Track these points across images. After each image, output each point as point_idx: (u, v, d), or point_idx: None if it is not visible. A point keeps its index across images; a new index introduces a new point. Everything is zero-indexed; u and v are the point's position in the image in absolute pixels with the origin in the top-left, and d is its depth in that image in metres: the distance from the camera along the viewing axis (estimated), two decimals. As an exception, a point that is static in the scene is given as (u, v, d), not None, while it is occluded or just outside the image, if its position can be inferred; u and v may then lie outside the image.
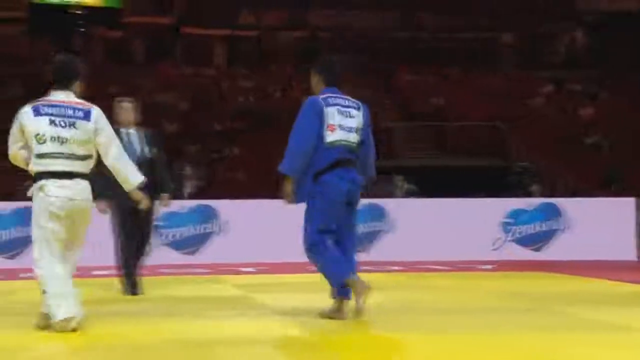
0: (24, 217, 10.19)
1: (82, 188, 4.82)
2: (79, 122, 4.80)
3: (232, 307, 6.13)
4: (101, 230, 9.42)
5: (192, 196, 12.13)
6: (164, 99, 18.80)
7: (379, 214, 11.28)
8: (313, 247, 5.25)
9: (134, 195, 5.14)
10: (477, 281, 8.45)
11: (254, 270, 9.63)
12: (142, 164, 6.78)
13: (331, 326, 5.04)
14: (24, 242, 10.13)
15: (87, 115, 4.84)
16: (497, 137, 19.15)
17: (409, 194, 13.26)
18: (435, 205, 11.64)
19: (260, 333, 4.88)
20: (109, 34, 21.59)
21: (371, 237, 11.19)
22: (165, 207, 7.26)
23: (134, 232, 6.91)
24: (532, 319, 5.45)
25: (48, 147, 4.73)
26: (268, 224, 10.80)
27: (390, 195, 13.43)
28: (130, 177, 5.01)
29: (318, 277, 7.90)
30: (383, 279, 8.70)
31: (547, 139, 18.58)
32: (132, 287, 6.95)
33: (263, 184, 15.13)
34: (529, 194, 14.96)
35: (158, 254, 10.56)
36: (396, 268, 9.77)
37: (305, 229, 5.27)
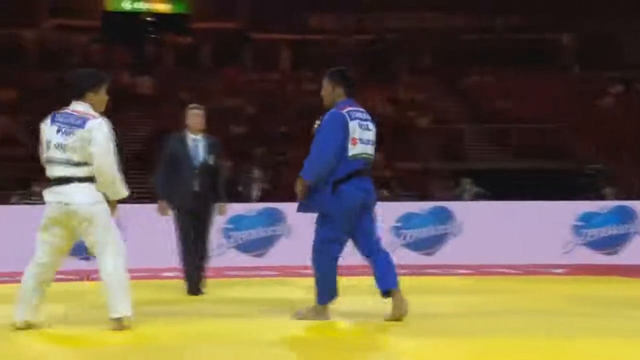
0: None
1: (79, 192, 4.89)
2: (76, 130, 4.93)
3: (297, 309, 6.15)
4: (170, 233, 9.61)
5: (259, 199, 12.22)
6: (232, 103, 19.05)
7: (445, 216, 11.17)
8: (318, 254, 5.48)
9: (112, 205, 5.13)
10: (547, 285, 8.29)
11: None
12: (204, 170, 6.97)
13: (397, 329, 5.02)
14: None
15: (83, 123, 4.93)
16: (565, 138, 18.73)
17: (477, 197, 13.08)
18: (503, 208, 11.45)
19: (322, 334, 4.89)
20: (179, 40, 22.00)
21: (438, 240, 11.09)
22: (222, 215, 7.36)
23: (191, 234, 7.05)
24: (600, 323, 5.33)
25: (52, 153, 4.93)
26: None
27: (457, 197, 13.28)
28: (111, 191, 5.01)
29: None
30: (450, 282, 8.62)
31: (616, 140, 18.08)
32: (193, 287, 7.07)
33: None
34: (601, 197, 14.58)
35: (226, 256, 10.73)
36: (464, 271, 9.66)
37: (315, 233, 5.51)
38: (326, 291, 5.41)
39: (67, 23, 21.96)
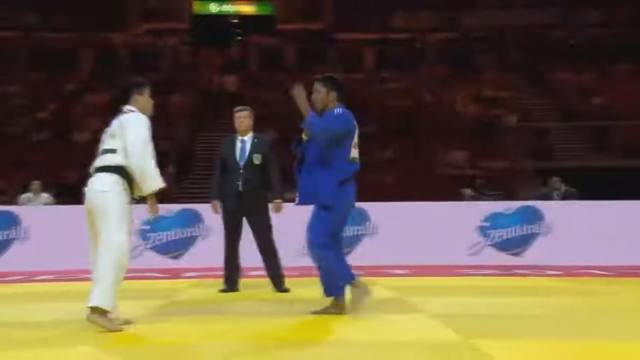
0: (186, 219, 10.76)
1: (98, 179, 5.06)
2: (114, 121, 5.21)
3: (385, 309, 6.14)
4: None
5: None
6: (316, 104, 19.15)
7: (534, 216, 10.93)
8: (324, 247, 5.56)
9: (148, 201, 5.23)
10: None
11: (406, 272, 9.60)
12: (249, 170, 7.18)
13: (484, 330, 4.94)
14: (186, 243, 10.69)
15: (123, 114, 5.22)
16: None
17: (566, 196, 12.72)
18: (594, 207, 11.11)
19: (414, 335, 4.87)
20: (264, 41, 22.27)
21: (526, 241, 10.86)
22: (277, 213, 7.32)
23: (234, 233, 7.27)
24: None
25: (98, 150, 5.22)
26: (418, 226, 10.74)
27: (545, 197, 12.96)
28: (143, 184, 5.09)
29: (473, 281, 7.75)
30: (538, 283, 8.43)
31: None
32: (232, 285, 7.34)
33: (412, 187, 15.08)
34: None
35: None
36: (552, 272, 9.43)
37: (315, 228, 5.56)
38: (339, 282, 5.61)
39: (157, 27, 22.58)
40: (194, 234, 10.83)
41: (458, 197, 13.95)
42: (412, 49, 22.32)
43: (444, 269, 9.82)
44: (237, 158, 7.26)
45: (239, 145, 7.34)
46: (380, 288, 7.76)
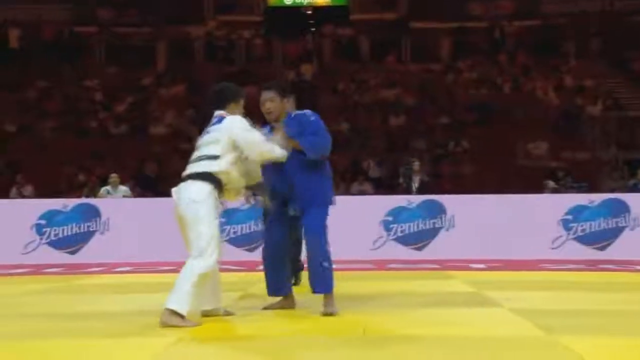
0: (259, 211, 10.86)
1: (195, 187, 4.96)
2: (212, 127, 5.14)
3: (463, 303, 6.07)
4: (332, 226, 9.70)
5: (419, 191, 12.16)
6: (390, 95, 19.05)
7: (619, 209, 10.62)
8: (328, 246, 5.41)
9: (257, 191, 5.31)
10: None
11: (485, 266, 9.47)
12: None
13: (567, 324, 4.83)
14: (260, 235, 10.80)
15: (220, 120, 5.13)
16: None
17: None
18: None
19: (493, 330, 4.79)
20: (338, 31, 22.26)
21: (611, 234, 10.56)
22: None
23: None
24: None
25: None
26: (496, 219, 10.58)
27: (632, 189, 12.57)
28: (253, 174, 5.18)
29: (555, 275, 7.58)
30: (624, 278, 8.19)
31: None
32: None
33: (490, 179, 14.84)
34: None
35: (387, 249, 10.78)
36: (640, 268, 9.14)
37: (323, 228, 5.39)
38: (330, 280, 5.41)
39: (232, 19, 22.83)
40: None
41: (539, 189, 13.66)
42: (490, 37, 21.93)
43: (523, 263, 9.65)
44: None
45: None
46: (457, 282, 7.70)
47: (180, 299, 4.83)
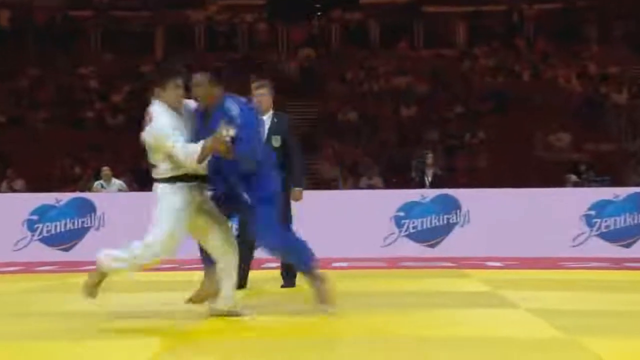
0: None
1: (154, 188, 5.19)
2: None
3: (478, 303, 6.09)
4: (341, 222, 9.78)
5: (432, 185, 12.17)
6: (402, 83, 19.05)
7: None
8: (281, 236, 5.44)
9: None
10: None
11: (501, 264, 9.48)
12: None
13: (588, 325, 4.85)
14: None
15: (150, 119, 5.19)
16: None
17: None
18: None
19: (509, 331, 4.81)
20: (346, 16, 22.22)
21: (639, 231, 10.55)
22: (296, 201, 7.01)
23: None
24: None
25: None
26: (514, 215, 10.58)
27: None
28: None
29: (576, 274, 7.58)
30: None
31: None
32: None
33: (508, 172, 14.83)
34: None
35: (398, 246, 10.80)
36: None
37: (270, 217, 5.29)
38: (308, 254, 5.44)
39: (234, 3, 22.82)
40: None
41: (559, 183, 13.65)
42: (507, 22, 21.86)
43: (543, 261, 9.65)
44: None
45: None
46: (472, 281, 7.72)
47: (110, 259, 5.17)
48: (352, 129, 17.24)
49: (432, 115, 17.71)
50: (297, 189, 6.94)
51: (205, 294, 5.30)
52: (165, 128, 5.02)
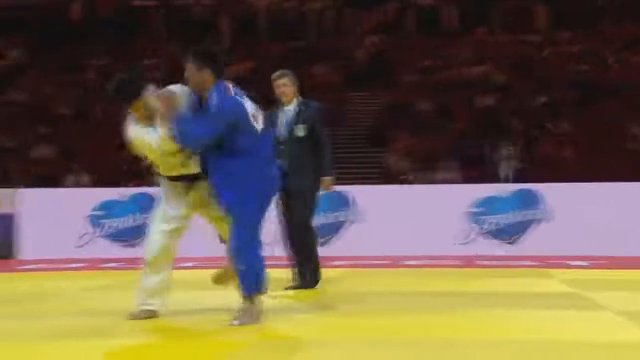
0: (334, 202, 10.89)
1: None
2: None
3: (562, 305, 5.92)
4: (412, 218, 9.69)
5: (512, 179, 11.96)
6: (479, 71, 18.76)
7: None
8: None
9: None
10: None
11: (587, 264, 9.24)
12: (292, 144, 6.76)
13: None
14: (333, 228, 10.82)
15: None
16: None
17: None
18: None
19: (596, 335, 4.65)
20: (420, 1, 22.02)
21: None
22: (326, 191, 6.96)
23: (286, 217, 6.90)
24: None
25: None
26: (602, 211, 10.31)
27: None
28: None
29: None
30: None
31: None
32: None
33: (595, 165, 14.45)
34: None
35: (475, 243, 10.64)
36: None
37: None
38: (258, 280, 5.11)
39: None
40: (340, 218, 10.93)
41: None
42: (592, 5, 21.33)
43: (633, 260, 9.38)
44: (280, 132, 6.80)
45: (281, 117, 6.92)
46: (555, 282, 7.56)
47: None
48: (425, 120, 17.05)
49: (512, 105, 17.37)
50: (325, 178, 6.89)
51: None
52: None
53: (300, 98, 7.01)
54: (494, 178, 12.54)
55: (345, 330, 5.01)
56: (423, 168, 15.11)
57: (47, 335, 4.80)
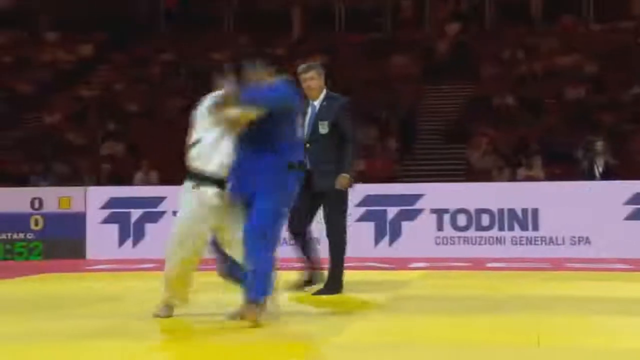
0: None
1: None
2: None
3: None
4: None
5: (604, 176, 11.70)
6: (568, 62, 18.41)
7: None
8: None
9: None
10: None
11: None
12: (315, 142, 6.73)
13: None
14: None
15: None
16: None
17: None
18: None
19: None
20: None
21: None
22: (342, 188, 6.79)
23: (303, 218, 6.84)
24: None
25: None
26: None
27: None
28: None
29: None
30: None
31: None
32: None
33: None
34: None
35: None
36: None
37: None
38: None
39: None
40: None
41: None
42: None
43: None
44: (303, 129, 6.67)
45: (309, 112, 6.87)
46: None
47: None
48: (509, 114, 16.82)
49: (603, 98, 16.99)
50: (342, 175, 6.76)
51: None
52: None
53: (327, 91, 6.97)
54: (583, 175, 12.26)
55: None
56: (507, 165, 14.89)
57: (96, 335, 4.95)
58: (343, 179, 6.75)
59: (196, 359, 4.48)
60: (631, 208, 10.51)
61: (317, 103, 6.88)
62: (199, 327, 5.27)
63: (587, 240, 10.53)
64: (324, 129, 6.80)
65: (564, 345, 4.56)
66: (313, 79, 6.91)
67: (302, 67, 7.01)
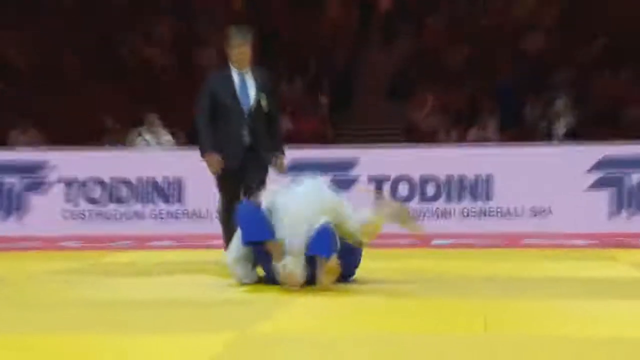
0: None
1: None
2: None
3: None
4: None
5: (565, 137, 11.75)
6: (523, 10, 18.38)
7: None
8: None
9: None
10: None
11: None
12: (256, 117, 6.96)
13: None
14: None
15: None
16: None
17: None
18: None
19: None
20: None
21: None
22: (281, 172, 7.11)
23: (238, 200, 6.90)
24: None
25: None
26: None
27: None
28: None
29: None
30: None
31: None
32: None
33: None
34: None
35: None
36: None
37: None
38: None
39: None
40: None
41: None
42: None
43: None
44: (240, 101, 6.96)
45: (238, 82, 7.02)
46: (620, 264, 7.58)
47: None
48: (457, 70, 16.77)
49: (563, 50, 16.99)
50: (282, 156, 7.09)
51: None
52: None
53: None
54: (536, 137, 12.30)
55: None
56: (455, 125, 14.87)
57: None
58: (282, 161, 7.08)
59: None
60: (596, 175, 10.55)
61: (247, 73, 7.04)
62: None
63: (549, 211, 10.52)
64: (264, 101, 7.00)
65: (513, 333, 4.56)
66: (248, 48, 7.04)
67: (237, 33, 7.08)
